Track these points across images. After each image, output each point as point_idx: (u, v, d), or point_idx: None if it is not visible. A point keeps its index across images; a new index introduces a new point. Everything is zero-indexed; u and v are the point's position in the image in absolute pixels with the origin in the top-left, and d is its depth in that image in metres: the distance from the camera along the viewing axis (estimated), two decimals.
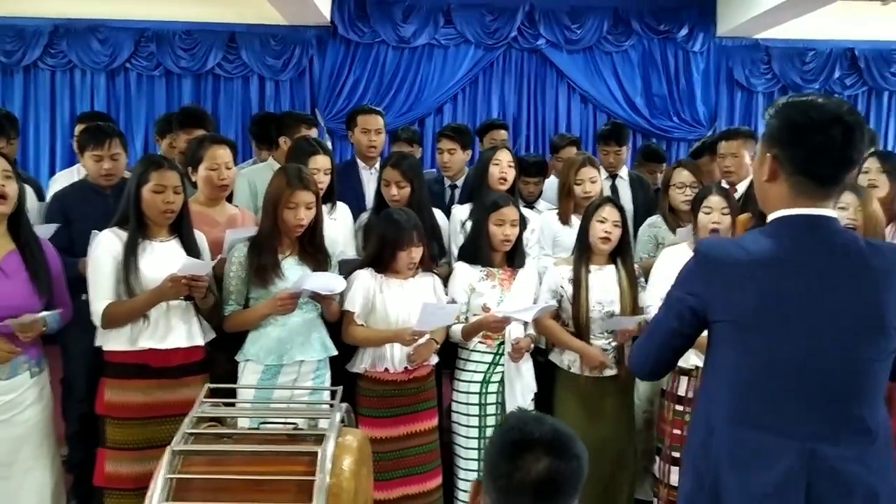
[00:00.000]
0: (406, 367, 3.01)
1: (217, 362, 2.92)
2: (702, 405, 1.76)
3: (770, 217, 1.69)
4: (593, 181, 3.60)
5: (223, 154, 3.11)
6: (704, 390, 1.77)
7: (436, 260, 3.35)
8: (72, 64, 6.64)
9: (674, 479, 3.08)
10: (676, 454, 3.06)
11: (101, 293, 2.68)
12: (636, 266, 3.34)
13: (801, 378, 1.60)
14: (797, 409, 1.60)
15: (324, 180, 3.28)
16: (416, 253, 3.02)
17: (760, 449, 1.61)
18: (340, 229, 3.40)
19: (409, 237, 2.98)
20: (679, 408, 3.08)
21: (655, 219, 3.79)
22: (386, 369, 3.00)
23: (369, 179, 3.99)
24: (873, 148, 3.74)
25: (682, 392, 3.08)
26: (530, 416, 1.31)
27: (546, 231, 3.66)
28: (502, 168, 3.57)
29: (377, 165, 4.00)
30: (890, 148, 6.95)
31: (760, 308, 1.60)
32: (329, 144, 4.25)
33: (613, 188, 4.36)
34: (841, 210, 2.78)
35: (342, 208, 3.49)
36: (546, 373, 3.34)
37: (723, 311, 1.64)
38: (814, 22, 6.26)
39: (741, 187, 3.78)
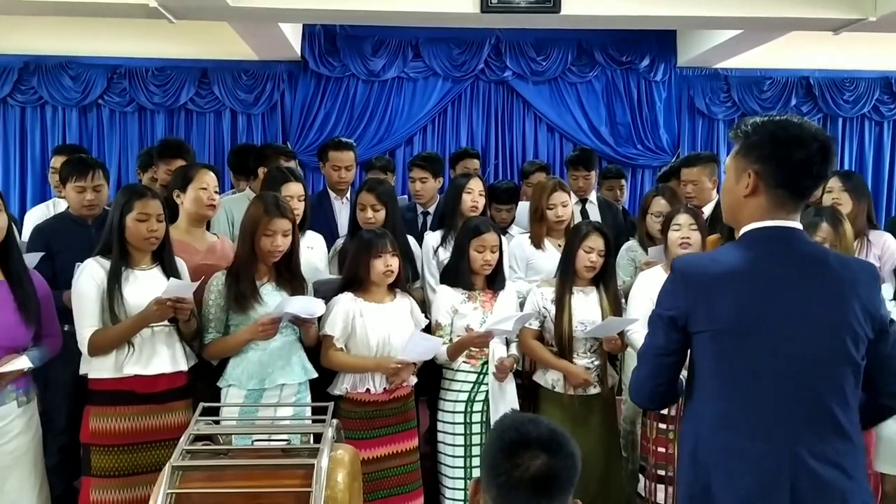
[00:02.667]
0: (385, 388, 3.05)
1: (199, 389, 2.95)
2: (688, 415, 1.83)
3: (743, 230, 1.79)
4: (564, 205, 3.70)
5: (212, 178, 3.19)
6: (689, 401, 1.83)
7: (408, 281, 3.42)
8: (43, 100, 6.63)
9: (660, 496, 3.12)
10: (661, 472, 3.12)
11: (86, 321, 2.71)
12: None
13: (778, 384, 1.67)
14: (777, 415, 1.67)
15: (297, 206, 3.36)
16: (392, 261, 3.07)
17: (745, 454, 1.67)
18: (317, 256, 3.47)
19: (381, 243, 3.05)
20: (662, 426, 3.14)
21: (632, 243, 3.92)
22: (367, 390, 3.04)
23: (341, 209, 4.09)
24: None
25: (664, 410, 3.16)
26: (526, 417, 1.39)
27: (519, 255, 3.74)
28: (474, 197, 3.69)
29: (348, 195, 4.11)
30: None
31: (737, 317, 1.68)
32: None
33: (584, 212, 4.49)
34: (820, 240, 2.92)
35: (315, 236, 3.56)
36: (528, 396, 3.40)
37: (702, 321, 1.72)
38: (770, 52, 6.49)
39: (706, 210, 3.93)
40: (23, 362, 2.55)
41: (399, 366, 3.00)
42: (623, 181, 5.34)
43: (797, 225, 1.76)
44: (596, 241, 3.25)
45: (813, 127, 1.73)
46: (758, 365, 1.68)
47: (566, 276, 3.29)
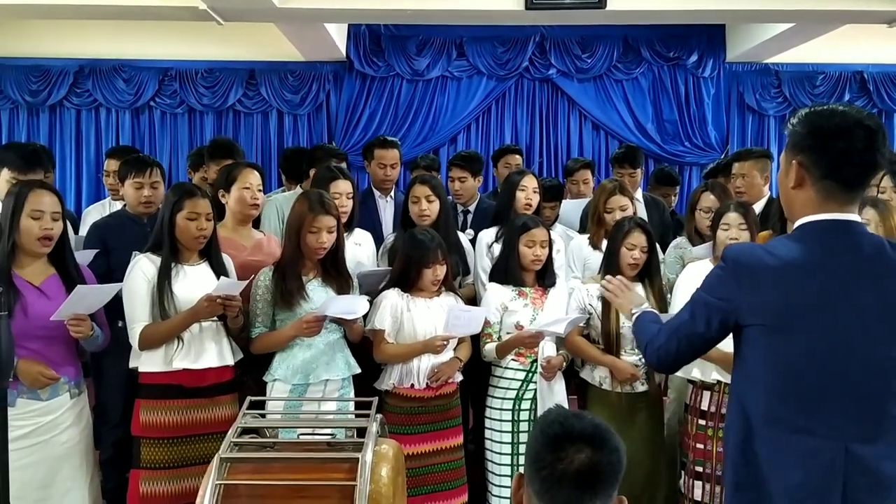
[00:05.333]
0: (427, 384, 3.07)
1: (246, 383, 3.00)
2: (735, 407, 1.79)
3: (797, 223, 1.74)
4: (623, 209, 3.63)
5: (255, 177, 3.24)
6: (737, 393, 1.80)
7: (457, 275, 3.44)
8: (97, 103, 6.83)
9: (697, 493, 3.10)
10: (700, 468, 3.10)
11: (137, 315, 2.78)
12: (664, 285, 3.39)
13: (833, 378, 1.63)
14: (830, 409, 1.64)
15: (346, 204, 3.38)
16: (441, 270, 3.11)
17: (797, 448, 1.64)
18: (364, 253, 3.50)
19: (433, 255, 3.07)
20: (702, 422, 3.10)
21: (681, 240, 3.84)
22: (412, 385, 3.07)
23: (385, 207, 4.11)
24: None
25: (704, 406, 3.10)
26: (570, 412, 1.38)
27: (577, 255, 3.71)
28: (528, 194, 3.67)
29: (392, 194, 4.13)
30: None
31: (791, 311, 1.65)
32: None
33: None
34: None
35: (363, 234, 3.59)
36: (579, 393, 3.40)
37: (753, 315, 1.69)
38: (822, 46, 6.35)
39: (757, 207, 3.84)
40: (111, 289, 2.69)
41: (444, 342, 3.01)
42: (678, 188, 5.25)
43: (854, 217, 1.70)
44: (638, 238, 3.22)
45: (858, 114, 1.67)
46: (810, 361, 1.64)
47: (610, 274, 3.26)
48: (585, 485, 1.28)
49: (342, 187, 3.39)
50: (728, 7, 4.96)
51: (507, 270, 3.30)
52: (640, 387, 3.22)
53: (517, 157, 4.89)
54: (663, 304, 3.26)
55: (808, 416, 1.65)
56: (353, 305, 2.90)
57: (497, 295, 3.27)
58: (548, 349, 3.22)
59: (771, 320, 1.67)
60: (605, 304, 3.22)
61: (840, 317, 1.64)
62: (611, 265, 3.26)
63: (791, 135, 1.74)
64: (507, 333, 3.23)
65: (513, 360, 3.24)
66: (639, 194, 4.54)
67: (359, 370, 3.03)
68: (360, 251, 3.49)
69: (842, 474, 1.62)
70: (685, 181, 6.88)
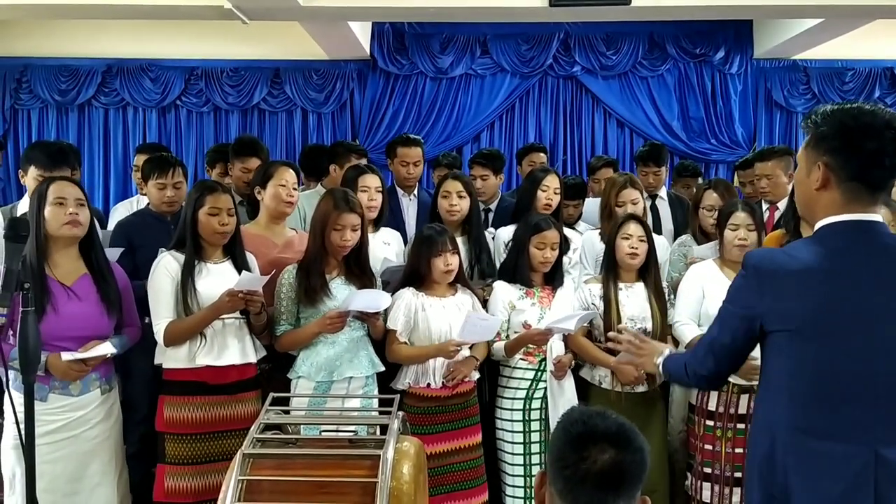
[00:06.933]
0: (444, 384, 3.06)
1: (277, 378, 3.02)
2: (761, 415, 1.77)
3: (818, 224, 1.71)
4: (634, 202, 3.62)
5: (291, 175, 3.26)
6: (763, 400, 1.78)
7: (485, 274, 3.42)
8: (124, 102, 6.91)
9: (705, 495, 3.09)
10: (708, 470, 3.09)
11: (162, 312, 2.80)
12: (666, 284, 3.37)
13: (861, 383, 1.61)
14: (859, 415, 1.61)
15: (376, 198, 3.40)
16: (452, 259, 3.08)
17: (826, 456, 1.62)
18: (393, 252, 3.51)
19: (442, 244, 3.06)
20: (710, 423, 3.10)
21: (685, 238, 3.82)
22: (428, 384, 3.06)
23: (408, 205, 4.12)
24: None
25: (712, 407, 3.09)
26: (594, 411, 1.36)
27: (588, 250, 3.70)
28: (549, 194, 3.66)
29: (415, 192, 4.13)
30: None
31: (816, 316, 1.62)
32: None
33: (654, 208, 4.40)
34: None
35: (392, 233, 3.60)
36: (579, 392, 3.36)
37: (777, 321, 1.66)
38: (852, 41, 6.24)
39: (782, 205, 3.79)
40: (106, 348, 2.64)
41: (458, 347, 2.99)
42: (700, 179, 5.21)
43: (876, 218, 1.67)
44: (634, 228, 3.23)
45: (887, 114, 1.64)
46: (837, 365, 1.62)
47: (610, 271, 3.27)
48: (609, 485, 1.27)
49: (370, 181, 3.40)
50: (755, 3, 4.90)
51: (515, 270, 3.29)
52: (641, 387, 3.21)
53: (542, 155, 4.89)
54: (662, 301, 3.25)
55: (835, 422, 1.62)
56: (376, 300, 2.91)
57: (504, 293, 3.26)
58: (557, 348, 3.21)
59: (795, 325, 1.64)
60: (607, 303, 3.21)
61: (865, 319, 1.61)
62: (610, 262, 3.26)
63: (814, 134, 1.70)
64: (515, 333, 3.22)
65: (521, 359, 3.23)
66: (663, 192, 4.51)
67: (382, 368, 3.04)
68: (389, 250, 3.50)
69: (872, 479, 1.59)
70: (709, 178, 6.81)
